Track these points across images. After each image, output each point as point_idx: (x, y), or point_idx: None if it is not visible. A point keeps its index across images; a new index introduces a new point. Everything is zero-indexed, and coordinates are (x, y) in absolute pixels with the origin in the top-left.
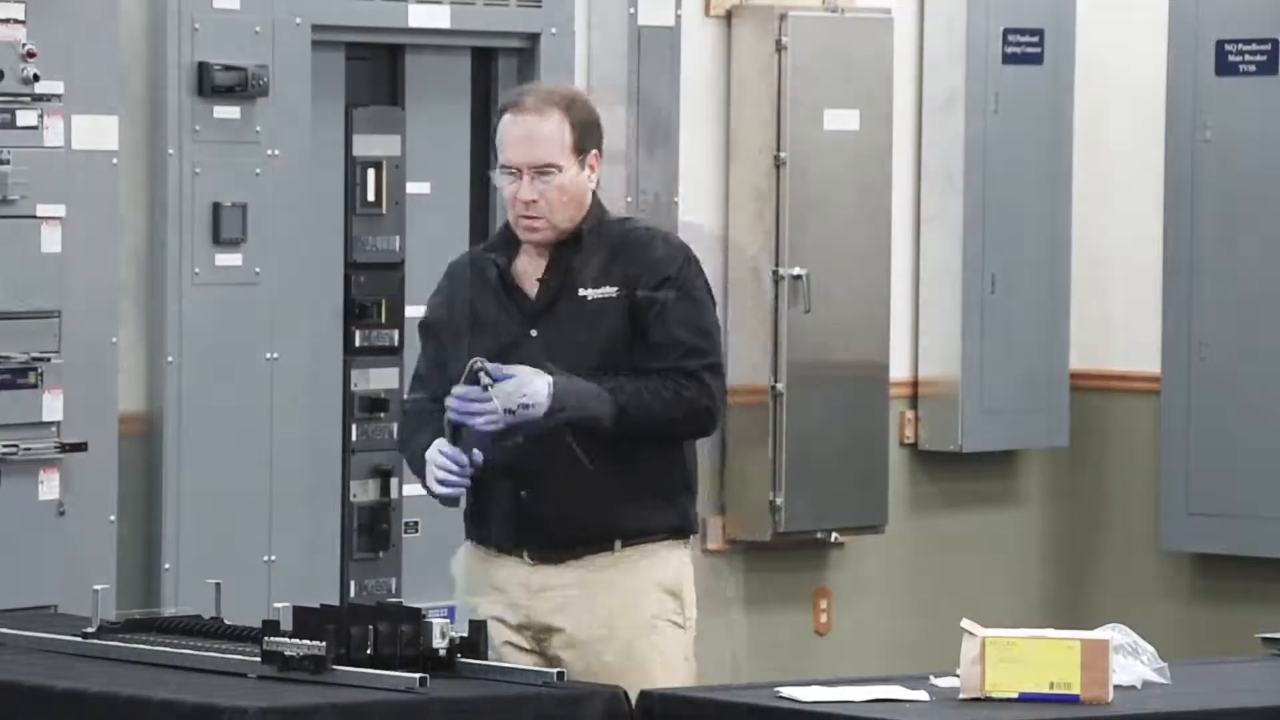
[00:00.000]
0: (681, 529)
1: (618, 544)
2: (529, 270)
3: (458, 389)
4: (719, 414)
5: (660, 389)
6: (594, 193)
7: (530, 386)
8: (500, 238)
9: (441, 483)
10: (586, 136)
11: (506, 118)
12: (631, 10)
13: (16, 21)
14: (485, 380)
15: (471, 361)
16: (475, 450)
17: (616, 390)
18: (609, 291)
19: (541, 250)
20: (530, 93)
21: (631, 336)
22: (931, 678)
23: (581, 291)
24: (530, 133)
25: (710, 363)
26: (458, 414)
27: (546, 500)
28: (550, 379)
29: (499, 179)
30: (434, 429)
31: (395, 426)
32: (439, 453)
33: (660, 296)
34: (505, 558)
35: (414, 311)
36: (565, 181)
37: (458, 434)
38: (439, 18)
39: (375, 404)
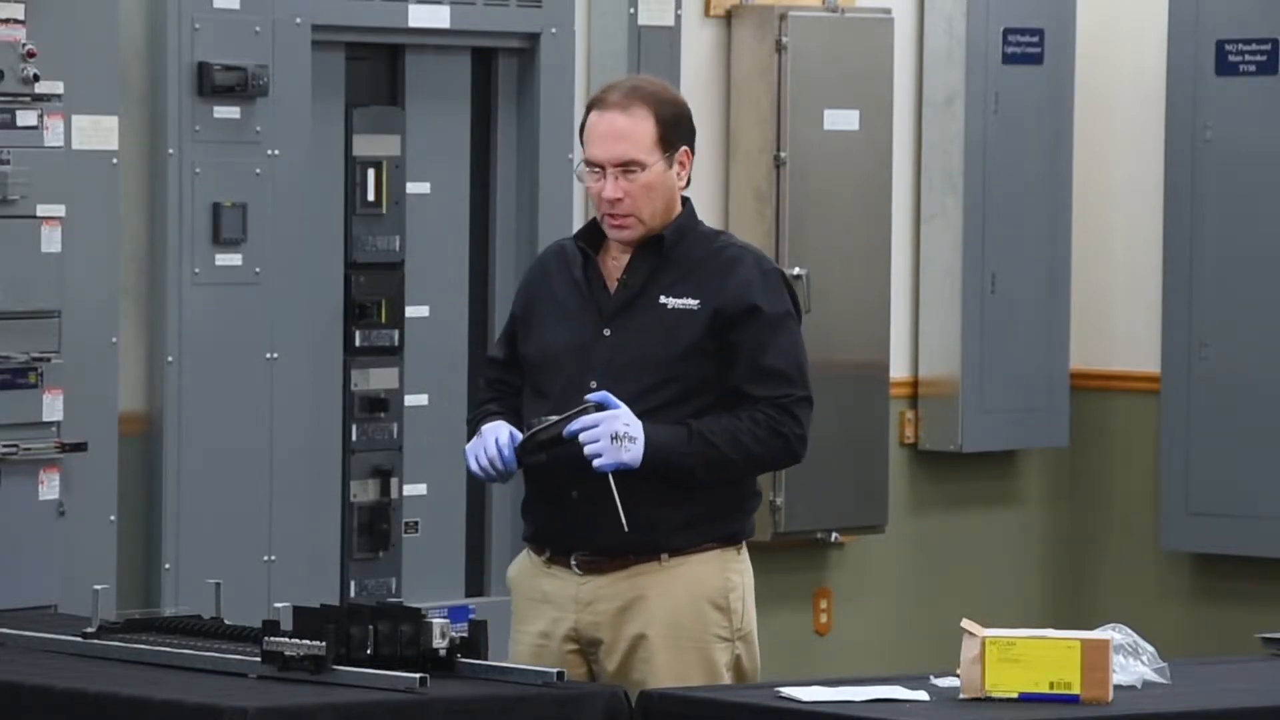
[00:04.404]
0: (732, 536)
1: (664, 556)
2: (612, 268)
3: (575, 424)
4: (807, 444)
5: (754, 429)
6: (687, 199)
7: (635, 420)
8: (589, 228)
9: (479, 464)
10: (674, 132)
11: (592, 115)
12: (631, 10)
13: (16, 21)
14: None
15: (585, 405)
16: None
17: (707, 436)
18: (689, 303)
19: (627, 249)
20: (616, 88)
21: (707, 352)
22: (931, 678)
23: (662, 299)
24: (615, 129)
25: (803, 395)
26: (570, 433)
27: (598, 503)
28: (644, 439)
29: (583, 175)
30: (510, 409)
31: (396, 426)
32: (495, 442)
33: (754, 325)
34: (556, 568)
35: (414, 311)
36: (651, 179)
37: (529, 444)
38: (439, 18)
39: (375, 404)
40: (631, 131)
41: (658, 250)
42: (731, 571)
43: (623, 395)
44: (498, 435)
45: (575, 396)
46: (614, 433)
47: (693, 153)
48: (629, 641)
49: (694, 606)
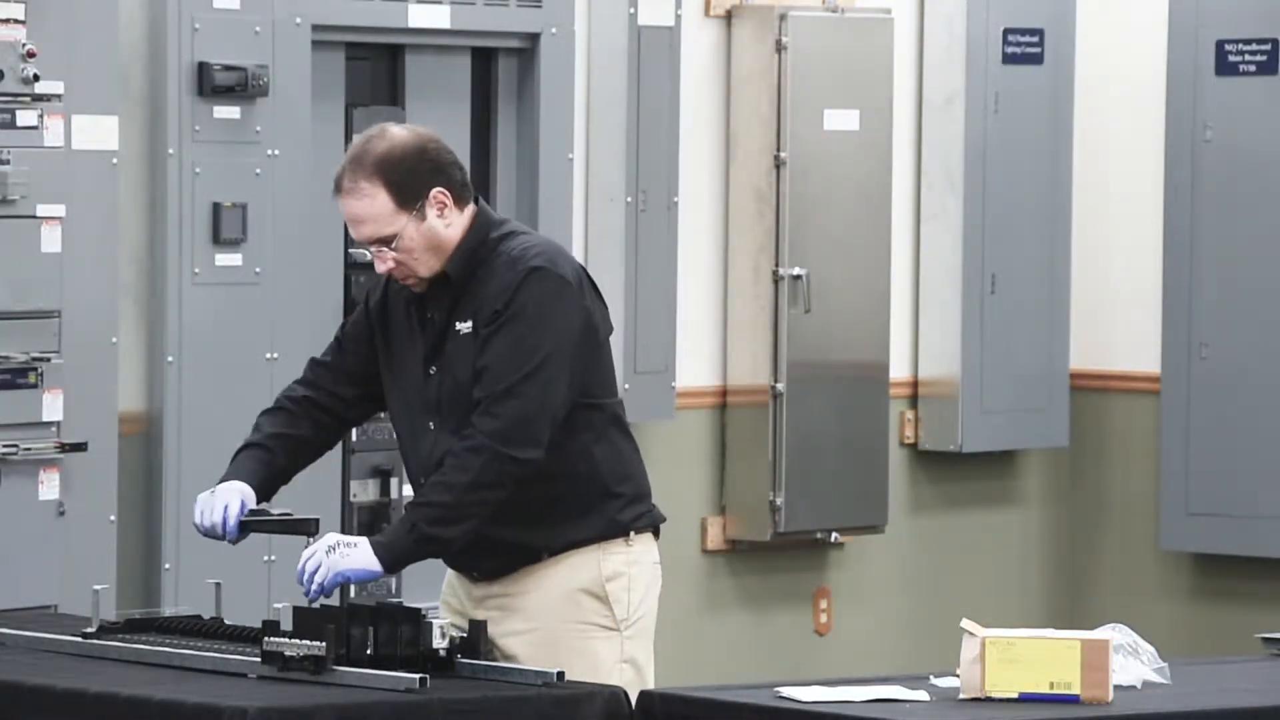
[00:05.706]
0: (610, 533)
1: (544, 555)
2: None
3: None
4: (511, 438)
5: (453, 459)
6: (478, 201)
7: (347, 537)
8: None
9: (202, 522)
10: (412, 187)
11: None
12: (631, 10)
13: (16, 21)
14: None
15: (309, 522)
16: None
17: (422, 498)
18: (467, 326)
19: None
20: (344, 169)
21: None
22: (931, 678)
23: (457, 326)
24: (353, 215)
25: (501, 388)
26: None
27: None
28: (368, 539)
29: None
30: (287, 445)
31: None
32: (224, 511)
33: (485, 332)
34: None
35: None
36: (407, 243)
37: (249, 524)
38: (439, 18)
39: None
40: (366, 213)
41: (447, 282)
42: (614, 560)
43: (452, 430)
44: (228, 505)
45: (421, 440)
46: (330, 546)
47: (451, 184)
48: (511, 637)
49: (569, 598)
